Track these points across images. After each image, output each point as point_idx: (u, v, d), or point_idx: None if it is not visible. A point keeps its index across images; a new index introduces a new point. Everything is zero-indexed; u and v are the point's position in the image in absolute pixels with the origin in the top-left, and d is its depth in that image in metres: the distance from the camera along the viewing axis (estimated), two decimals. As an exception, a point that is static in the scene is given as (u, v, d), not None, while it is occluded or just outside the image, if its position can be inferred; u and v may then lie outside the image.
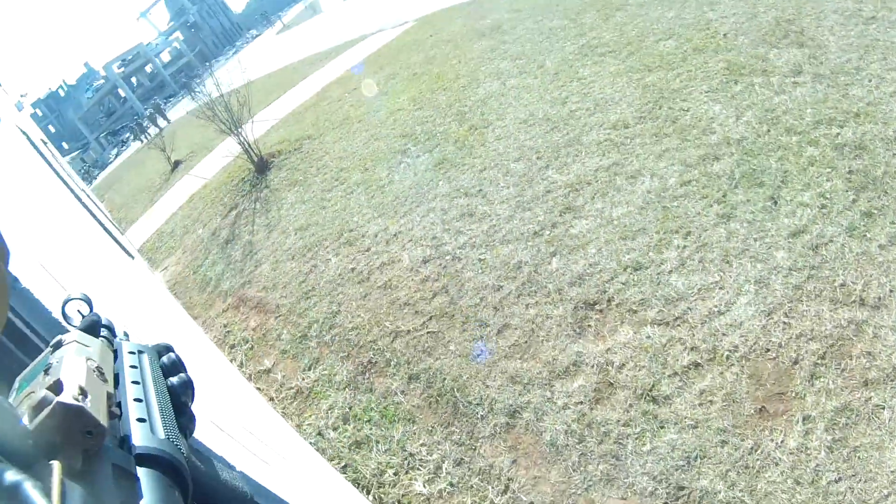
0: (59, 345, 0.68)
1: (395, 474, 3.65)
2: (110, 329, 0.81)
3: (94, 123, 60.92)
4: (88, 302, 0.86)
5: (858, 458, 2.59)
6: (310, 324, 5.46)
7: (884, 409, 2.71)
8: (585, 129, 6.12)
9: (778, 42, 5.90)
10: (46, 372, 0.59)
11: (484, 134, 7.17)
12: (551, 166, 5.76)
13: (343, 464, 3.89)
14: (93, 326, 0.79)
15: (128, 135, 34.28)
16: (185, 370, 0.80)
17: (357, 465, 3.82)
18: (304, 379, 4.84)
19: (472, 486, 3.34)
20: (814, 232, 3.70)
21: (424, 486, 3.47)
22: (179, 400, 0.75)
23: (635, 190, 4.84)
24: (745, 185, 4.32)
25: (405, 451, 3.76)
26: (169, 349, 0.84)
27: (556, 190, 5.34)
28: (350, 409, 4.31)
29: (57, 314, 1.02)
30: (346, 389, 4.49)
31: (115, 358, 0.75)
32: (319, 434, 4.24)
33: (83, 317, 0.82)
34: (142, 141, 29.62)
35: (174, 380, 0.77)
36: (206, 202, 11.03)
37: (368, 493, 3.62)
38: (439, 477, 3.49)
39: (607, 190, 5.00)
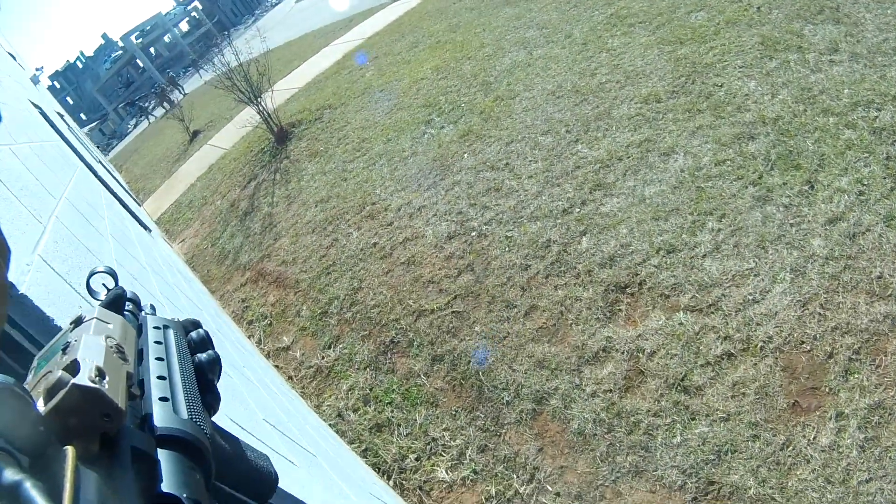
0: (79, 321, 0.66)
1: (416, 459, 3.57)
2: (136, 303, 0.80)
3: (113, 94, 61.16)
4: (114, 275, 0.86)
5: (890, 458, 2.50)
6: (330, 300, 5.35)
7: None
8: (616, 102, 5.91)
9: (813, 17, 5.62)
10: (64, 351, 0.57)
11: (510, 105, 6.97)
12: (581, 140, 5.57)
13: (363, 447, 3.81)
14: (117, 301, 0.78)
15: (148, 104, 34.24)
16: (212, 346, 0.78)
17: (378, 450, 3.74)
18: (323, 358, 4.76)
19: (496, 475, 3.25)
20: (851, 220, 3.52)
21: (447, 473, 3.39)
22: (206, 377, 0.73)
23: (668, 168, 4.65)
24: (781, 167, 4.13)
25: (427, 435, 3.67)
26: (197, 325, 0.81)
27: (585, 165, 5.16)
28: (371, 390, 4.22)
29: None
30: (367, 370, 4.40)
31: (140, 333, 0.73)
32: (339, 416, 4.16)
33: (108, 291, 0.81)
34: (164, 108, 29.63)
35: (203, 356, 0.75)
36: (225, 173, 10.96)
37: (389, 478, 3.55)
38: (462, 464, 3.40)
39: (639, 167, 4.82)
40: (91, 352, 0.56)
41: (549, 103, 6.56)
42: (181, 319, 0.82)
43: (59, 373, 0.50)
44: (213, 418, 0.70)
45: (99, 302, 0.77)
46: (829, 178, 3.86)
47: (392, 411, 3.96)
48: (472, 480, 3.30)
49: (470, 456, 3.41)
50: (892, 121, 4.02)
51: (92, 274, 0.85)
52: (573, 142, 5.61)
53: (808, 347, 3.02)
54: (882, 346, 2.87)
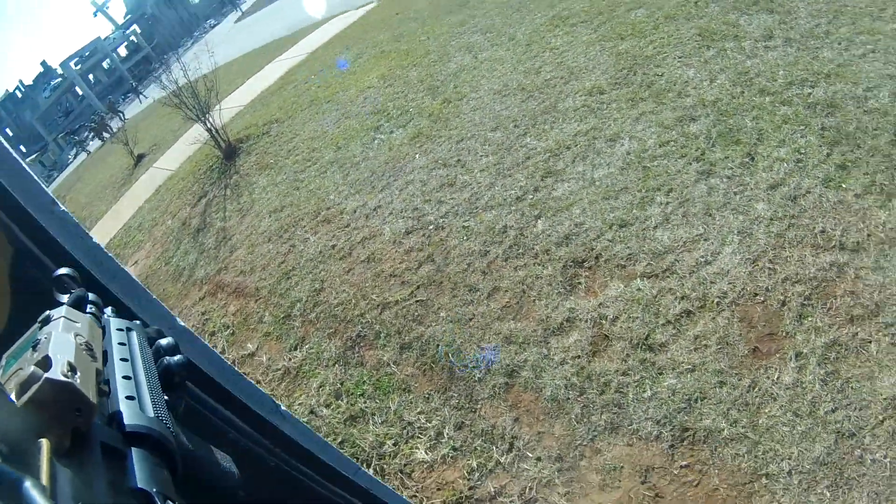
0: (47, 320, 0.67)
1: (394, 445, 3.61)
2: (98, 305, 0.81)
3: (52, 124, 59.70)
4: (76, 278, 0.86)
5: (852, 388, 2.68)
6: (292, 303, 5.37)
7: (870, 342, 2.81)
8: (561, 96, 6.10)
9: (748, 8, 5.91)
10: (34, 348, 0.59)
11: (459, 106, 7.11)
12: (529, 133, 5.72)
13: (339, 440, 3.84)
14: (80, 301, 0.78)
15: (87, 134, 33.56)
16: (180, 352, 0.80)
17: (354, 440, 3.77)
18: (290, 359, 4.77)
19: (475, 448, 3.32)
20: (791, 184, 3.76)
21: (426, 453, 3.44)
22: (174, 380, 0.76)
23: (615, 152, 4.83)
24: (722, 144, 4.35)
25: (403, 420, 3.72)
26: (162, 334, 0.84)
27: (535, 156, 5.32)
28: (342, 384, 4.25)
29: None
30: (336, 365, 4.43)
31: (104, 335, 0.75)
32: (312, 412, 4.18)
33: (71, 292, 0.80)
34: (102, 140, 29.01)
35: (173, 360, 0.77)
36: (174, 193, 10.84)
37: (369, 465, 3.58)
38: (441, 443, 3.46)
39: (587, 153, 4.98)
40: (62, 348, 0.58)
41: (496, 102, 6.71)
42: (147, 328, 0.85)
43: (32, 368, 0.52)
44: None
45: (65, 301, 0.77)
46: (768, 149, 4.09)
47: (365, 402, 4.00)
48: (452, 457, 3.36)
49: (448, 434, 3.47)
50: (826, 95, 4.28)
51: (56, 275, 0.85)
52: (522, 135, 5.76)
53: (762, 298, 3.21)
54: (831, 291, 3.08)
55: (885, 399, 2.58)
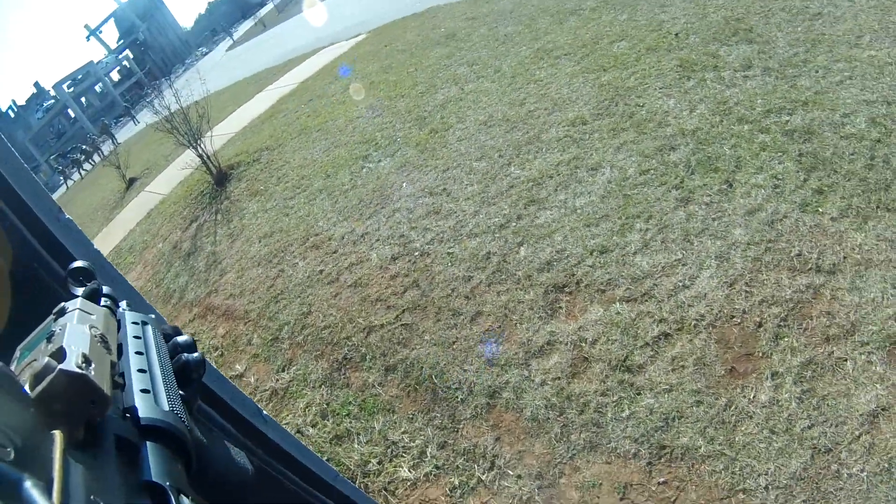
0: (62, 312, 0.68)
1: (379, 463, 3.70)
2: (113, 299, 0.82)
3: (45, 145, 59.60)
4: (92, 271, 0.87)
5: (828, 405, 2.76)
6: (280, 326, 5.47)
7: (846, 361, 2.88)
8: (545, 127, 6.27)
9: (728, 39, 6.13)
10: (49, 340, 0.59)
11: (445, 136, 7.27)
12: (513, 163, 5.88)
13: (325, 458, 3.91)
14: (94, 295, 0.79)
15: (78, 155, 33.55)
16: (196, 349, 0.81)
17: (340, 458, 3.86)
18: (278, 380, 4.86)
19: (457, 467, 3.41)
20: (769, 209, 3.89)
21: (410, 472, 3.53)
22: (191, 376, 0.76)
23: (596, 181, 4.98)
24: (701, 172, 4.50)
25: (387, 440, 3.81)
26: (178, 331, 0.85)
27: (519, 185, 5.47)
28: (328, 405, 4.34)
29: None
30: (323, 387, 4.52)
31: (119, 328, 0.76)
32: (298, 432, 4.26)
33: (86, 285, 0.81)
34: (92, 164, 29.02)
35: (191, 357, 0.78)
36: (165, 217, 10.92)
37: (353, 482, 3.66)
38: (424, 461, 3.55)
39: (569, 182, 5.14)
40: (76, 340, 0.58)
41: (481, 132, 6.88)
42: (164, 325, 0.86)
43: (46, 359, 0.52)
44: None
45: (79, 294, 0.77)
46: (746, 176, 4.24)
47: (350, 422, 4.10)
48: (434, 475, 3.45)
49: (431, 453, 3.56)
50: (803, 122, 4.44)
51: (71, 268, 0.86)
52: (506, 164, 5.92)
53: (739, 320, 3.33)
54: (808, 312, 3.19)
55: (861, 415, 2.65)
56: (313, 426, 4.24)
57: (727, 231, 3.90)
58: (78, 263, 0.86)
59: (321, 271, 5.91)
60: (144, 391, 0.63)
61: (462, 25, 11.75)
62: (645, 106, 5.70)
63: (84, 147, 33.08)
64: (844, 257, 3.37)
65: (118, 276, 1.22)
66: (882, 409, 2.65)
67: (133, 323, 0.78)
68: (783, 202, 3.90)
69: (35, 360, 0.54)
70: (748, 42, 5.89)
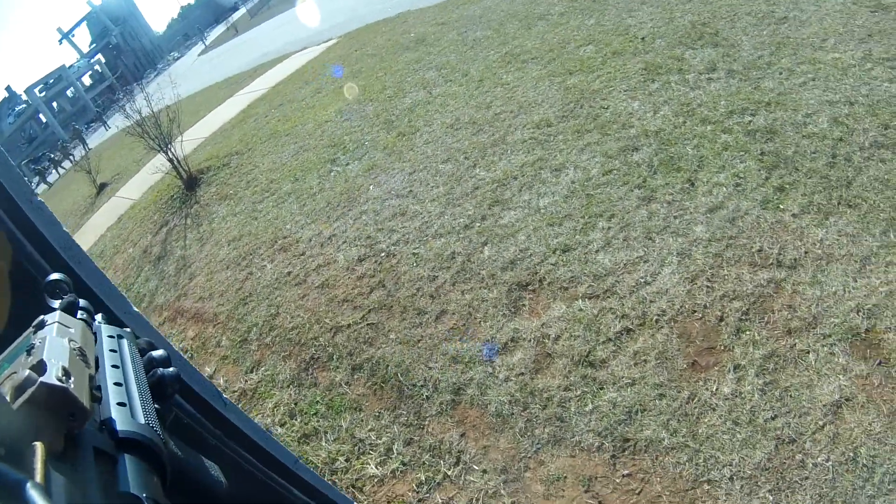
0: (41, 325, 0.69)
1: (346, 461, 3.72)
2: (89, 312, 0.82)
3: (16, 150, 58.75)
4: (68, 283, 0.87)
5: (791, 396, 2.82)
6: (249, 328, 5.49)
7: (809, 353, 2.95)
8: (510, 129, 6.36)
9: (693, 43, 6.26)
10: (29, 352, 0.59)
11: (412, 139, 7.34)
12: (479, 165, 5.96)
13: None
14: (70, 308, 0.79)
15: (46, 164, 33.18)
16: (171, 364, 0.83)
17: (308, 456, 3.88)
18: (246, 381, 4.87)
19: (424, 463, 3.45)
20: (730, 207, 3.99)
21: (377, 468, 3.56)
22: (166, 392, 0.78)
23: (560, 181, 5.07)
24: (663, 171, 4.60)
25: (354, 437, 3.84)
26: (153, 346, 0.86)
27: (484, 186, 5.55)
28: (296, 404, 4.37)
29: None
30: (290, 387, 4.55)
31: (95, 341, 0.77)
32: (267, 431, 4.28)
33: (62, 297, 0.82)
34: (63, 170, 28.70)
35: (167, 371, 0.79)
36: (136, 221, 10.87)
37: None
38: (391, 458, 3.58)
39: (533, 183, 5.22)
40: (56, 353, 0.59)
41: (448, 135, 6.95)
42: (139, 339, 0.87)
43: (27, 372, 0.53)
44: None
45: (57, 306, 0.78)
46: (707, 175, 4.34)
47: (318, 421, 4.13)
48: (401, 472, 3.48)
49: (397, 450, 3.60)
50: (766, 123, 4.56)
51: (48, 280, 0.86)
52: (471, 167, 6.00)
53: (700, 315, 3.40)
54: (769, 306, 3.27)
55: (824, 405, 2.70)
56: (282, 425, 4.27)
57: (689, 228, 3.99)
58: (54, 276, 0.87)
59: (289, 273, 5.94)
60: (121, 404, 0.65)
61: (432, 30, 11.84)
62: (609, 108, 5.80)
63: (52, 155, 32.72)
64: (805, 252, 3.46)
65: (84, 257, 1.24)
66: (846, 400, 2.71)
67: (109, 336, 0.79)
68: (744, 200, 4.00)
69: (15, 372, 0.55)
70: (713, 45, 6.03)
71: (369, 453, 3.69)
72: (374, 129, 8.36)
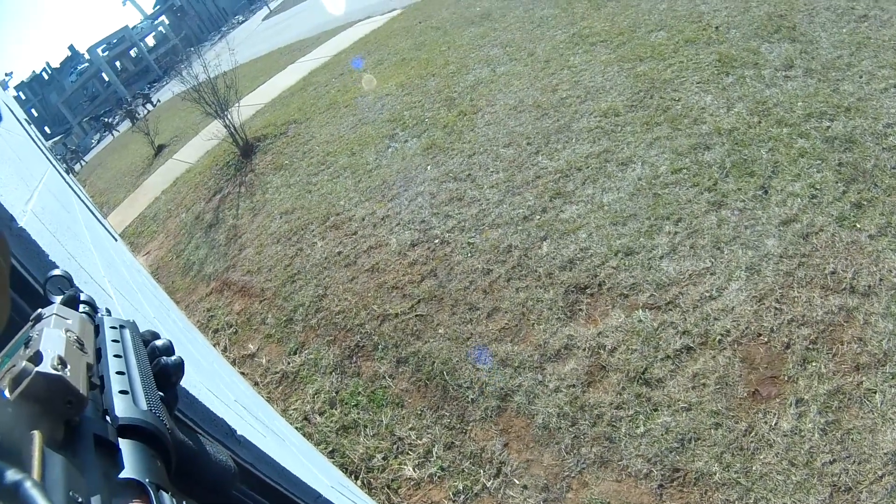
0: (39, 318, 0.68)
1: (383, 459, 3.62)
2: (91, 305, 0.82)
3: (78, 108, 60.35)
4: (69, 278, 0.88)
5: (852, 440, 2.61)
6: (295, 307, 5.40)
7: (875, 393, 2.73)
8: (576, 116, 6.09)
9: (770, 36, 5.89)
10: (27, 345, 0.60)
11: (473, 120, 7.12)
12: (541, 152, 5.72)
13: (330, 449, 3.85)
14: (71, 302, 0.78)
15: (114, 118, 33.89)
16: (174, 352, 0.81)
17: (345, 450, 3.78)
18: (289, 363, 4.79)
19: (463, 470, 3.32)
20: (804, 221, 3.71)
21: (414, 471, 3.44)
22: (170, 380, 0.76)
23: (626, 177, 4.82)
24: (735, 175, 4.31)
25: (394, 435, 3.73)
26: (157, 336, 0.84)
27: (546, 175, 5.31)
28: (337, 393, 4.27)
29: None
30: (333, 374, 4.45)
31: (97, 334, 0.75)
32: (306, 419, 4.19)
33: (64, 293, 0.81)
34: (131, 122, 29.32)
35: (169, 360, 0.78)
36: (190, 186, 10.92)
37: (357, 478, 3.58)
38: (429, 461, 3.46)
39: (598, 176, 4.97)
40: (52, 343, 0.60)
41: (510, 118, 6.71)
42: (142, 331, 0.85)
43: (24, 363, 0.53)
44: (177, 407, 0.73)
45: (56, 301, 0.78)
46: (782, 183, 4.05)
47: (358, 413, 4.01)
48: (439, 477, 3.36)
49: (437, 453, 3.47)
50: (845, 130, 4.23)
51: (49, 277, 0.87)
52: (534, 153, 5.76)
53: (766, 339, 3.16)
54: (838, 336, 3.02)
55: (885, 454, 2.52)
56: (321, 414, 4.16)
57: (760, 241, 3.72)
58: (55, 272, 0.87)
59: (339, 253, 5.82)
60: (123, 392, 0.64)
61: (498, 5, 11.53)
62: (681, 101, 5.49)
63: (119, 111, 33.49)
64: (881, 279, 3.20)
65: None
66: (909, 450, 2.51)
67: (111, 327, 0.78)
68: (820, 214, 3.71)
69: (14, 365, 0.54)
70: (791, 40, 5.65)
71: (408, 453, 3.58)
72: (435, 106, 8.15)
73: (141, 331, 0.84)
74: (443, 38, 11.18)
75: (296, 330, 5.14)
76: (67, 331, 0.66)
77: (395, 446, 3.65)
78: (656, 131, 5.21)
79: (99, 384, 0.64)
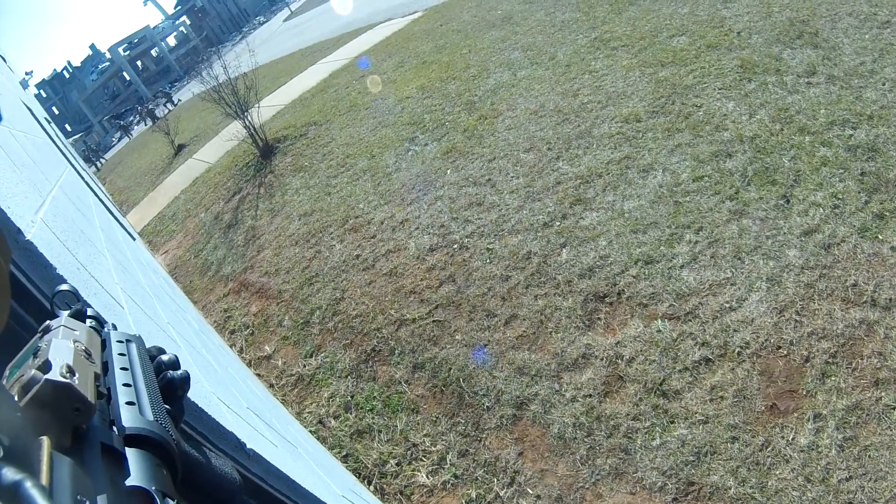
0: (47, 329, 0.69)
1: (397, 465, 3.60)
2: (98, 320, 0.83)
3: (99, 106, 60.88)
4: (76, 293, 0.91)
5: (869, 457, 2.56)
6: (312, 310, 5.40)
7: (894, 409, 2.67)
8: (597, 121, 6.04)
9: (792, 42, 5.80)
10: (35, 355, 0.60)
11: (493, 124, 7.09)
12: (562, 158, 5.68)
13: (344, 453, 3.84)
14: (80, 315, 0.80)
15: (133, 119, 34.19)
16: (180, 367, 0.83)
17: (358, 455, 3.76)
18: (305, 366, 4.79)
19: (476, 479, 3.29)
20: (826, 231, 3.64)
21: (428, 478, 3.42)
22: (176, 393, 0.78)
23: (647, 184, 4.76)
24: (757, 183, 4.25)
25: (408, 441, 3.70)
26: (162, 351, 0.86)
27: (566, 181, 5.27)
28: (352, 397, 4.25)
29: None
30: (349, 377, 4.44)
31: (104, 348, 0.76)
32: (320, 422, 4.18)
33: (71, 307, 0.81)
34: (147, 124, 29.54)
35: (175, 374, 0.79)
36: (210, 186, 10.97)
37: (370, 483, 3.57)
38: (443, 468, 3.44)
39: (619, 183, 4.93)
40: (60, 353, 0.61)
41: (531, 122, 6.67)
42: (149, 346, 0.87)
43: (33, 371, 0.54)
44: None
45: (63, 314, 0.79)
46: (804, 192, 3.97)
47: (373, 418, 3.99)
48: (452, 485, 3.33)
49: (451, 460, 3.45)
50: (868, 138, 4.15)
51: (56, 292, 0.89)
52: (554, 158, 5.72)
53: (785, 352, 3.10)
54: (858, 350, 2.95)
55: None
56: (336, 418, 4.15)
57: (781, 252, 3.65)
58: (63, 287, 0.89)
59: (357, 256, 5.81)
60: (130, 403, 0.65)
61: (519, 9, 11.48)
62: (703, 107, 5.42)
63: (139, 109, 33.74)
64: (903, 292, 3.12)
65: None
66: (927, 470, 2.46)
67: (118, 341, 0.79)
68: (842, 224, 3.63)
69: (23, 374, 0.55)
70: (813, 46, 5.56)
71: (422, 460, 3.55)
72: (456, 110, 8.13)
73: (148, 346, 0.85)
74: (464, 42, 11.15)
75: (312, 333, 5.13)
76: (75, 341, 0.67)
77: (409, 452, 3.63)
78: (678, 138, 5.15)
79: (106, 394, 0.65)
